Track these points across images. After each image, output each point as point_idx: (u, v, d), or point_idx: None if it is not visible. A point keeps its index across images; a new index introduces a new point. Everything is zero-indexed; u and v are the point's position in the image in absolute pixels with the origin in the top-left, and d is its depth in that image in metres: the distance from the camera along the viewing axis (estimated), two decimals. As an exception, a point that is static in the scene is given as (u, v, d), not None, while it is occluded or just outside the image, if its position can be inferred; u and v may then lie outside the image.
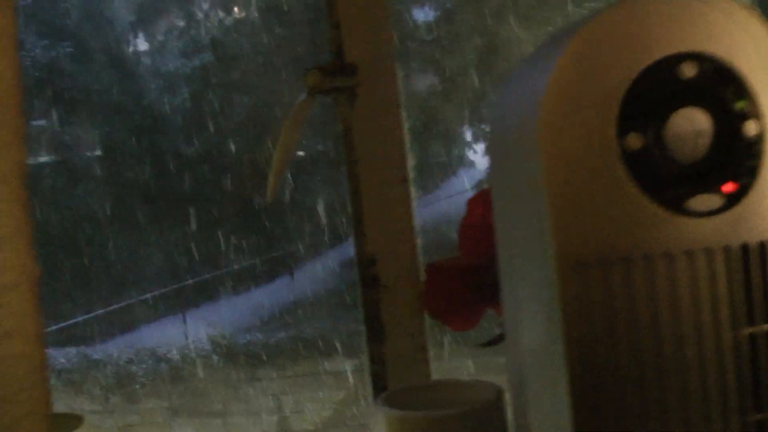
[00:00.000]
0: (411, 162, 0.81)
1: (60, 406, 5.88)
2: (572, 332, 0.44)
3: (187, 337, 6.83)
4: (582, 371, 0.44)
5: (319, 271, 7.62)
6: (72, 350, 6.32)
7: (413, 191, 0.81)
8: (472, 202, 0.77)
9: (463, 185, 6.69)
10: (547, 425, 0.50)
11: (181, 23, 8.25)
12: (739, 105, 0.45)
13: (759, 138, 0.47)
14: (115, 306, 6.76)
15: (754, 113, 0.47)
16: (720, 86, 0.46)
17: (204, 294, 7.46)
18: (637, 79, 0.46)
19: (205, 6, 7.90)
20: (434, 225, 6.57)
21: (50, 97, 8.53)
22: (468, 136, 6.92)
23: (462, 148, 6.93)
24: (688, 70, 0.45)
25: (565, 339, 0.44)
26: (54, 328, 6.79)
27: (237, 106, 7.70)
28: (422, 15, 6.89)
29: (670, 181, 0.45)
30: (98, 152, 9.13)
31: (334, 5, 0.76)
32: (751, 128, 0.46)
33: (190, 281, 7.42)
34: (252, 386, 5.88)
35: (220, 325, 6.44)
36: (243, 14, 7.84)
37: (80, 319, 6.95)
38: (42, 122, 8.71)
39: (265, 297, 7.48)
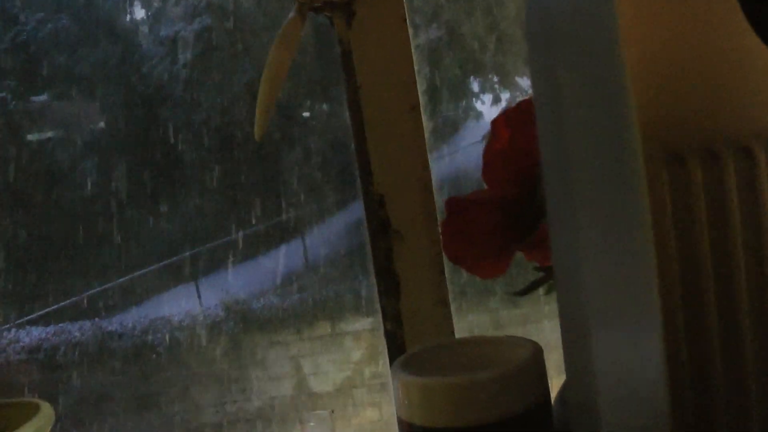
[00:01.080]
0: (421, 88, 0.69)
1: (77, 380, 5.88)
2: (665, 250, 0.32)
3: (201, 304, 6.80)
4: (679, 301, 0.32)
5: (334, 232, 7.56)
6: (86, 323, 6.30)
7: (425, 122, 0.70)
8: (497, 123, 0.65)
9: (473, 137, 6.55)
10: (623, 376, 0.38)
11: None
12: None
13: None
14: (127, 277, 6.71)
15: None
16: None
17: (216, 261, 7.41)
18: None
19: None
20: (450, 179, 6.46)
21: (49, 71, 8.45)
22: (475, 86, 6.78)
23: (470, 99, 6.79)
24: None
25: (658, 261, 0.31)
26: (67, 303, 6.76)
27: (240, 70, 7.59)
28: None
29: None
30: (102, 124, 9.07)
31: None
32: None
33: (203, 248, 7.37)
34: (269, 350, 5.87)
35: (234, 292, 6.40)
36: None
37: (94, 291, 6.92)
38: (44, 97, 8.63)
39: (277, 261, 7.43)
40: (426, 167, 0.68)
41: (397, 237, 0.68)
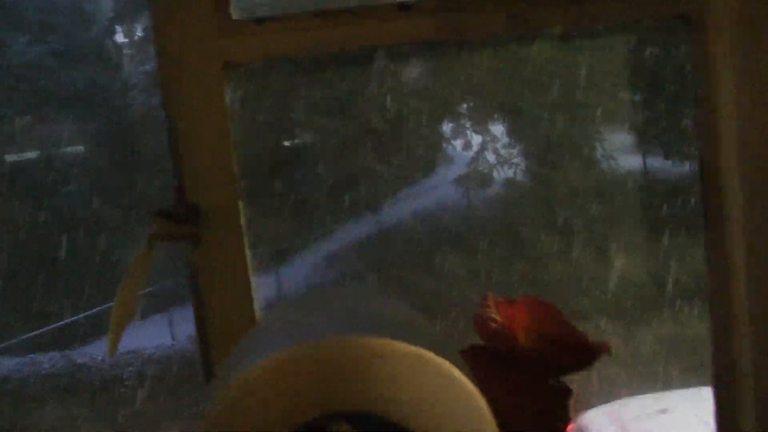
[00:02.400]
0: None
1: (48, 411, 5.88)
2: None
3: (173, 338, 6.79)
4: None
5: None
6: (56, 354, 6.29)
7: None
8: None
9: (442, 179, 6.66)
10: None
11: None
12: None
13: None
14: (98, 309, 6.71)
15: None
16: None
17: (189, 294, 7.41)
18: None
19: None
20: (423, 216, 6.57)
21: (32, 93, 8.48)
22: (447, 130, 6.88)
23: (442, 143, 6.88)
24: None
25: None
26: (38, 332, 6.76)
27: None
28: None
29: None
30: (81, 147, 9.10)
31: (177, 146, 0.71)
32: None
33: (178, 279, 7.38)
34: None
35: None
36: None
37: (65, 322, 6.92)
38: (27, 118, 8.66)
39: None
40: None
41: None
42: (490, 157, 6.64)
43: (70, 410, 5.83)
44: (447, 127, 6.97)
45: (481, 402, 0.46)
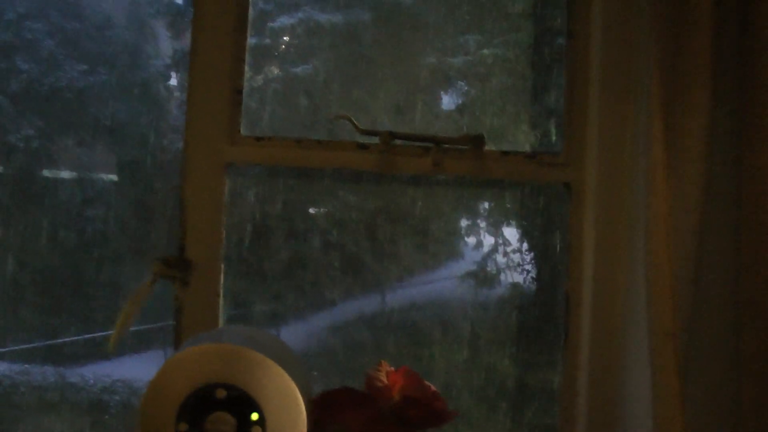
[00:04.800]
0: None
1: (30, 421, 6.08)
2: None
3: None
4: None
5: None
6: (50, 369, 6.52)
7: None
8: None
9: (449, 273, 6.86)
10: None
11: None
12: (253, 415, 1.18)
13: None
14: (99, 333, 6.96)
15: (260, 422, 1.20)
16: (242, 403, 1.07)
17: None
18: (189, 394, 1.12)
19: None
20: (424, 305, 6.78)
21: (78, 118, 8.88)
22: (463, 224, 7.09)
23: (456, 237, 7.09)
24: (220, 393, 1.03)
25: None
26: (39, 345, 6.99)
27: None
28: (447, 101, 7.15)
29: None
30: (114, 176, 9.42)
31: (184, 214, 0.98)
32: (257, 430, 1.19)
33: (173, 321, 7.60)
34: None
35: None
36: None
37: (65, 340, 7.15)
38: (69, 140, 9.06)
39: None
40: None
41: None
42: (500, 259, 6.85)
43: (52, 425, 6.03)
44: (463, 224, 7.20)
45: (295, 390, 0.88)
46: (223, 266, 0.89)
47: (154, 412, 0.94)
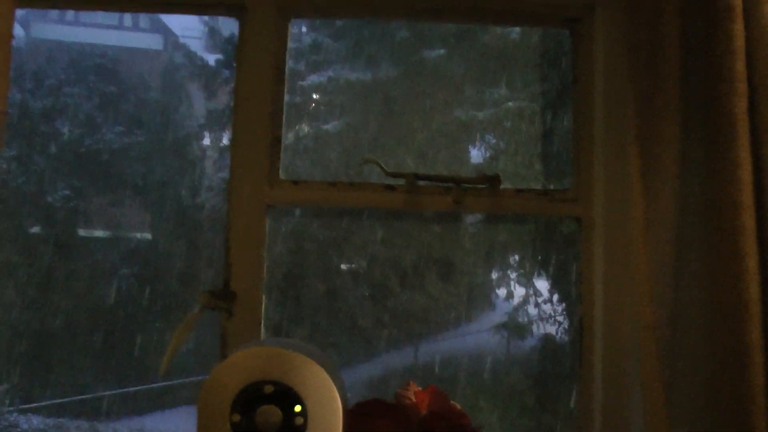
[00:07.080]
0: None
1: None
2: None
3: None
4: None
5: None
6: (84, 423, 6.57)
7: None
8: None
9: (480, 326, 6.87)
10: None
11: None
12: (296, 407, 1.19)
13: (303, 427, 1.22)
14: (132, 388, 7.01)
15: (303, 413, 1.22)
16: (287, 397, 1.15)
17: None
18: (241, 389, 1.15)
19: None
20: (453, 359, 6.78)
21: (114, 178, 9.04)
22: (493, 276, 7.13)
23: (486, 290, 7.13)
24: (268, 388, 1.16)
25: None
26: (71, 399, 7.04)
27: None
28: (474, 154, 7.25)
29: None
30: (148, 235, 9.47)
31: (229, 250, 1.10)
32: (299, 421, 1.22)
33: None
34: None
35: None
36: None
37: (98, 395, 7.19)
38: (105, 199, 9.24)
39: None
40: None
41: None
42: (532, 310, 6.85)
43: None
44: (494, 275, 7.22)
45: (332, 386, 0.98)
46: (264, 297, 1.02)
47: (211, 406, 1.07)
